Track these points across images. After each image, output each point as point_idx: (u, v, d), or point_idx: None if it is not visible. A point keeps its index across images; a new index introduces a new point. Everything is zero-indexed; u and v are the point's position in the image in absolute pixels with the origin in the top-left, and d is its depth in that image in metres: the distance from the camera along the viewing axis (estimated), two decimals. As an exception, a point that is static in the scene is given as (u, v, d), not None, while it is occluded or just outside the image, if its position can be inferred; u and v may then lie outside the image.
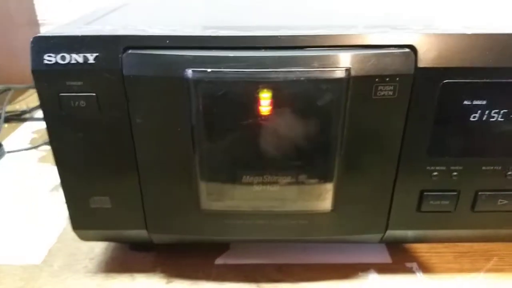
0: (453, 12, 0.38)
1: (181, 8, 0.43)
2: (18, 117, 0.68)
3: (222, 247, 0.40)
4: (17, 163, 0.57)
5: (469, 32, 0.28)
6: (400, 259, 0.39)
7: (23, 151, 0.59)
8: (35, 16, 0.87)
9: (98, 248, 0.41)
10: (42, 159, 0.57)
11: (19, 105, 0.73)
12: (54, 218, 0.45)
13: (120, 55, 0.28)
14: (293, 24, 0.33)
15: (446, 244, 0.40)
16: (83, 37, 0.28)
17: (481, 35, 0.28)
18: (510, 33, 0.28)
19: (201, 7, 0.43)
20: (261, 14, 0.39)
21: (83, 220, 0.34)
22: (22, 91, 0.75)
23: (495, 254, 0.40)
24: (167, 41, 0.28)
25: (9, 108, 0.70)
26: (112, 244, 0.41)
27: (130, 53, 0.28)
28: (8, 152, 0.59)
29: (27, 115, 0.69)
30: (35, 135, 0.64)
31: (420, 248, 0.40)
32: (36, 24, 0.87)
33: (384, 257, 0.39)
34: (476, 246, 0.41)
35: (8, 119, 0.67)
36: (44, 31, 0.83)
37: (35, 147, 0.59)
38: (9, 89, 0.69)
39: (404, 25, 0.30)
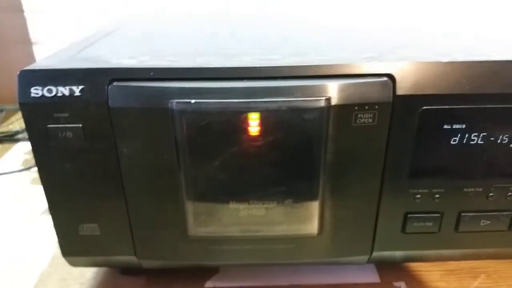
0: (432, 39, 0.39)
1: (167, 36, 0.43)
2: (10, 138, 0.69)
3: (212, 271, 0.41)
4: (9, 185, 0.57)
5: (446, 60, 0.29)
6: (388, 278, 0.40)
7: (16, 173, 0.59)
8: (28, 35, 0.88)
9: (89, 273, 0.41)
10: (34, 181, 0.57)
11: (12, 126, 0.74)
12: (46, 242, 0.45)
13: (105, 87, 0.28)
14: (277, 52, 0.34)
15: (434, 262, 0.41)
16: (69, 70, 0.28)
17: (456, 62, 0.29)
18: (484, 61, 0.29)
19: (188, 34, 0.44)
20: (245, 41, 0.40)
21: (73, 247, 0.35)
22: (15, 111, 0.76)
23: (482, 272, 0.40)
24: (152, 73, 0.28)
25: (2, 128, 0.71)
26: (103, 268, 0.41)
27: (116, 85, 0.28)
28: (0, 174, 0.59)
29: (20, 136, 0.69)
30: (28, 156, 0.65)
31: (408, 267, 0.41)
32: (29, 43, 0.88)
33: (373, 277, 0.40)
34: (463, 263, 0.41)
35: (0, 140, 0.68)
36: (37, 50, 0.84)
37: (27, 169, 0.60)
38: (1, 110, 0.69)
39: (384, 54, 0.31)
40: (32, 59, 0.88)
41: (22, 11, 0.86)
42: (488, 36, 0.41)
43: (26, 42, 0.89)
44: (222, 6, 0.79)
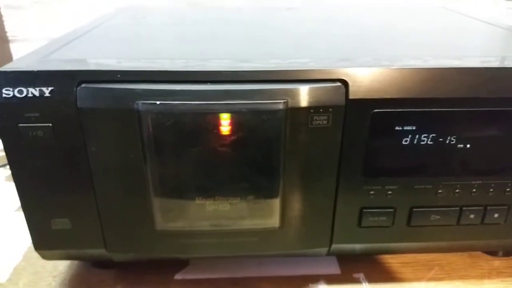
0: (387, 46, 0.41)
1: (140, 38, 0.45)
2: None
3: (182, 263, 0.42)
4: (-16, 182, 0.58)
5: (395, 66, 0.31)
6: (348, 270, 0.42)
7: (-9, 169, 0.60)
8: (5, 32, 0.87)
9: (61, 266, 0.42)
10: (9, 178, 0.58)
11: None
12: (20, 237, 0.46)
13: (74, 89, 0.30)
14: (244, 56, 0.36)
15: (392, 255, 0.44)
16: (39, 72, 0.30)
17: (405, 69, 0.31)
18: (432, 67, 0.31)
19: (160, 36, 0.46)
20: (217, 45, 0.41)
21: (45, 241, 0.36)
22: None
23: (436, 264, 0.43)
24: (118, 76, 0.30)
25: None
26: (75, 262, 0.43)
27: (84, 87, 0.30)
28: (-25, 170, 0.60)
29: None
30: (2, 153, 0.65)
31: (368, 260, 0.43)
32: (5, 40, 0.88)
33: (334, 269, 0.42)
34: (420, 256, 0.44)
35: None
36: (14, 47, 0.84)
37: (2, 166, 0.60)
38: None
39: (339, 60, 0.33)
40: (9, 57, 0.87)
41: (-2, 7, 0.86)
42: (438, 42, 0.44)
43: (3, 39, 0.88)
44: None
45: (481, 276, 0.42)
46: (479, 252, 0.44)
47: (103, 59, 0.33)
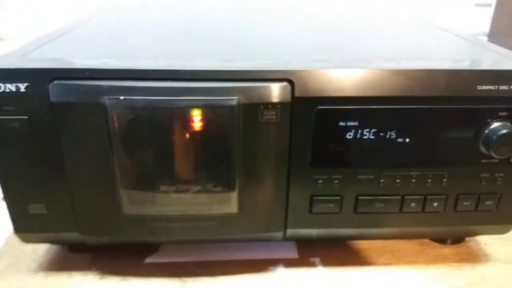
0: (344, 48, 0.45)
1: (114, 38, 0.48)
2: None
3: (152, 248, 0.46)
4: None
5: (336, 68, 0.35)
6: (306, 254, 0.46)
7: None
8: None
9: (40, 250, 0.45)
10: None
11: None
12: (2, 224, 0.49)
13: (47, 85, 0.33)
14: (207, 56, 0.39)
15: (348, 242, 0.47)
16: (16, 70, 0.33)
17: (347, 69, 0.35)
18: (371, 69, 0.35)
19: (133, 36, 0.49)
20: (184, 45, 0.45)
21: (23, 225, 0.39)
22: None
23: (388, 250, 0.47)
24: (87, 73, 0.33)
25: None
26: (53, 247, 0.46)
27: (56, 83, 0.33)
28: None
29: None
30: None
31: (325, 245, 0.47)
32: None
33: (292, 253, 0.46)
34: (374, 243, 0.47)
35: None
36: (4, 46, 0.87)
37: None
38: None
39: (288, 61, 0.36)
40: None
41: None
42: (392, 46, 0.47)
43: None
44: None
45: (428, 262, 0.45)
46: (429, 240, 0.48)
47: (76, 58, 0.37)
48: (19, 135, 0.34)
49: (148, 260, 0.44)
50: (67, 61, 0.36)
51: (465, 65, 0.38)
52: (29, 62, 0.36)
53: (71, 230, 0.39)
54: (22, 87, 0.33)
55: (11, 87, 0.33)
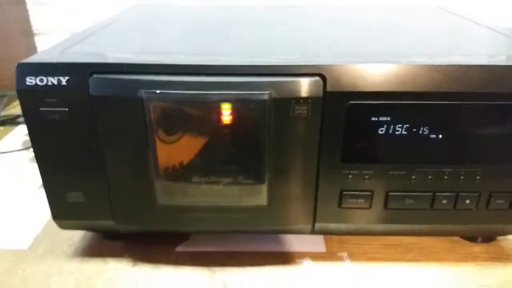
0: (372, 44, 0.45)
1: (150, 33, 0.49)
2: (12, 121, 0.75)
3: (183, 238, 0.47)
4: (10, 163, 0.64)
5: (369, 62, 0.35)
6: (334, 249, 0.46)
7: (16, 152, 0.66)
8: (30, 26, 0.94)
9: (76, 237, 0.47)
10: (32, 159, 0.64)
11: (14, 110, 0.80)
12: (41, 211, 0.52)
13: (87, 79, 0.34)
14: (239, 51, 0.40)
15: (377, 237, 0.47)
16: (57, 64, 0.35)
17: (379, 65, 0.35)
18: (404, 64, 0.35)
19: (167, 32, 0.50)
20: (217, 41, 0.46)
21: (61, 212, 0.41)
22: (16, 97, 0.82)
23: (417, 247, 0.46)
24: (125, 68, 0.34)
25: (5, 112, 0.77)
26: (88, 233, 0.48)
27: (95, 77, 0.34)
28: (2, 152, 0.66)
29: (21, 119, 0.76)
30: (27, 137, 0.71)
31: (353, 240, 0.47)
32: (31, 34, 0.94)
33: (320, 247, 0.46)
34: (403, 239, 0.47)
35: (3, 123, 0.74)
36: (39, 41, 0.90)
37: (27, 149, 0.66)
38: (4, 95, 0.76)
39: (320, 56, 0.36)
40: (33, 50, 0.94)
41: (24, 3, 0.92)
42: (421, 40, 0.47)
43: (28, 32, 0.94)
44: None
45: (457, 260, 0.45)
46: (459, 238, 0.47)
47: (114, 53, 0.38)
48: (60, 126, 0.36)
49: (179, 249, 0.46)
50: (105, 56, 0.37)
51: (500, 60, 0.37)
52: (70, 56, 0.37)
53: (107, 218, 0.41)
54: (64, 80, 0.34)
55: (53, 80, 0.35)
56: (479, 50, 0.43)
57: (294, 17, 0.61)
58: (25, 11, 0.93)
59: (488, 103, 0.35)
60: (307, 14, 0.63)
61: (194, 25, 0.54)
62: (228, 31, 0.51)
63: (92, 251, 0.46)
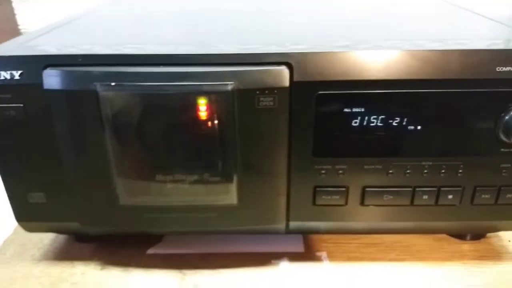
0: (337, 30, 0.43)
1: (116, 26, 0.48)
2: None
3: (156, 239, 0.45)
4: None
5: (337, 50, 0.32)
6: (312, 248, 0.44)
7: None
8: (16, 25, 0.92)
9: (46, 240, 0.46)
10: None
11: None
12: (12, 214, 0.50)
13: (41, 72, 0.33)
14: (201, 41, 0.38)
15: (357, 235, 0.45)
16: (10, 57, 0.33)
17: (348, 52, 0.32)
18: (378, 50, 0.33)
19: (138, 23, 0.48)
20: (181, 30, 0.44)
21: (24, 213, 0.39)
22: None
23: (400, 246, 0.44)
24: (79, 59, 0.32)
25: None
26: (60, 236, 0.46)
27: (49, 70, 0.33)
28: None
29: None
30: None
31: (332, 239, 0.45)
32: (17, 33, 0.93)
33: (298, 247, 0.44)
34: (385, 238, 0.45)
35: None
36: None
37: None
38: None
39: (286, 44, 0.34)
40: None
41: (10, 2, 0.91)
42: (404, 27, 0.44)
43: (15, 31, 0.93)
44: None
45: (443, 259, 0.42)
46: (447, 236, 0.45)
47: (72, 46, 0.36)
48: (16, 123, 0.34)
49: (150, 251, 0.44)
50: (62, 48, 0.35)
51: (479, 44, 0.34)
52: (25, 49, 0.35)
53: (71, 219, 0.39)
54: (17, 74, 0.33)
55: (6, 74, 0.33)
56: (462, 36, 0.41)
57: (263, 4, 0.59)
58: (11, 9, 0.91)
59: (467, 90, 0.33)
60: (286, 6, 0.61)
61: (162, 17, 0.52)
62: (192, 20, 0.48)
63: (61, 254, 0.44)
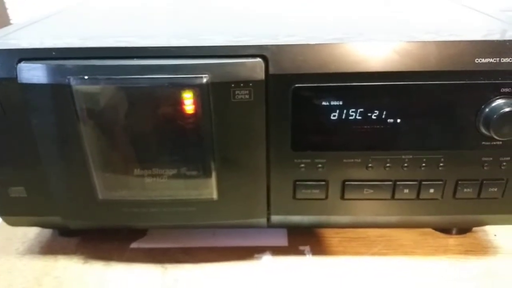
0: (315, 22, 0.42)
1: (94, 20, 0.47)
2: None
3: (139, 233, 0.45)
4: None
5: (313, 42, 0.32)
6: (296, 242, 0.43)
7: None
8: (8, 19, 0.92)
9: (31, 234, 0.46)
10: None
11: None
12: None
13: (15, 66, 0.32)
14: (176, 33, 0.37)
15: (341, 230, 0.45)
16: (-17, 51, 0.33)
17: (325, 45, 0.32)
18: (355, 42, 0.32)
19: (117, 17, 0.48)
20: (156, 23, 0.43)
21: (6, 208, 0.39)
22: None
23: (385, 240, 0.44)
24: (53, 53, 0.32)
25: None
26: (44, 230, 0.46)
27: (23, 64, 0.32)
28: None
29: None
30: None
31: (316, 233, 0.44)
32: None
33: (282, 241, 0.44)
34: (369, 232, 0.45)
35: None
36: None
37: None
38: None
39: (261, 37, 0.34)
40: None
41: (2, -4, 0.90)
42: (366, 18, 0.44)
43: (6, 25, 0.93)
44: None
45: (427, 253, 0.42)
46: (432, 230, 0.45)
47: (47, 40, 0.36)
48: (-8, 118, 0.34)
49: (133, 245, 0.44)
50: (37, 42, 0.35)
51: (458, 36, 0.33)
52: (0, 44, 0.35)
53: (52, 213, 0.39)
54: (-9, 68, 0.32)
55: (-20, 68, 0.33)
56: (446, 29, 0.40)
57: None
58: (2, 4, 0.91)
59: (446, 82, 0.32)
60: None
61: (143, 11, 0.52)
62: (171, 14, 0.48)
63: (45, 248, 0.44)
